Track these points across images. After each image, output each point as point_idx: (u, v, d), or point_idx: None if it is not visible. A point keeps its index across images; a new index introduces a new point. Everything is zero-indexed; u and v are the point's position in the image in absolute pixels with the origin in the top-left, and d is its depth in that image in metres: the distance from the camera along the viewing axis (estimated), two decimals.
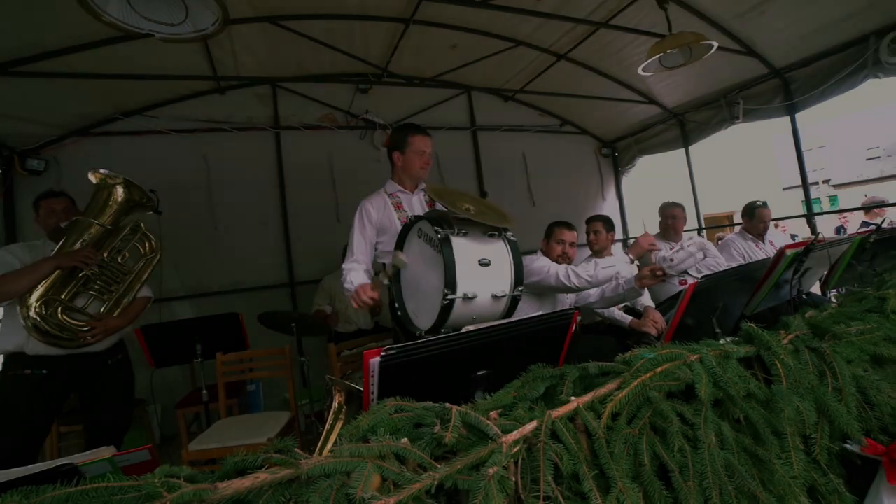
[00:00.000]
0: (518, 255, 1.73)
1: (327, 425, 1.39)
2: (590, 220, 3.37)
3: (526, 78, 4.86)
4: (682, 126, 5.15)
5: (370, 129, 4.66)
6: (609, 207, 5.98)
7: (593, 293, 2.72)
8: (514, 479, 0.73)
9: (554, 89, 4.90)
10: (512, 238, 1.75)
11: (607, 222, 3.32)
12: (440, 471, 0.72)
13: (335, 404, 1.41)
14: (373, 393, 1.02)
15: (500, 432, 0.79)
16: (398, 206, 2.10)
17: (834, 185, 21.49)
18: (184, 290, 3.96)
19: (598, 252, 3.26)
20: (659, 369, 1.02)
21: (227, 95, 4.25)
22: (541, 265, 2.47)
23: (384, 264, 2.09)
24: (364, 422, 0.79)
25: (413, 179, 2.17)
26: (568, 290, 2.41)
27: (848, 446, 1.05)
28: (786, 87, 4.04)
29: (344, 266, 2.07)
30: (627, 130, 5.74)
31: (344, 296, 3.85)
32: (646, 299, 3.12)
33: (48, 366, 2.11)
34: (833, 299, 3.20)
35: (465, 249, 1.63)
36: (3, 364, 2.16)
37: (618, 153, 6.07)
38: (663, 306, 3.03)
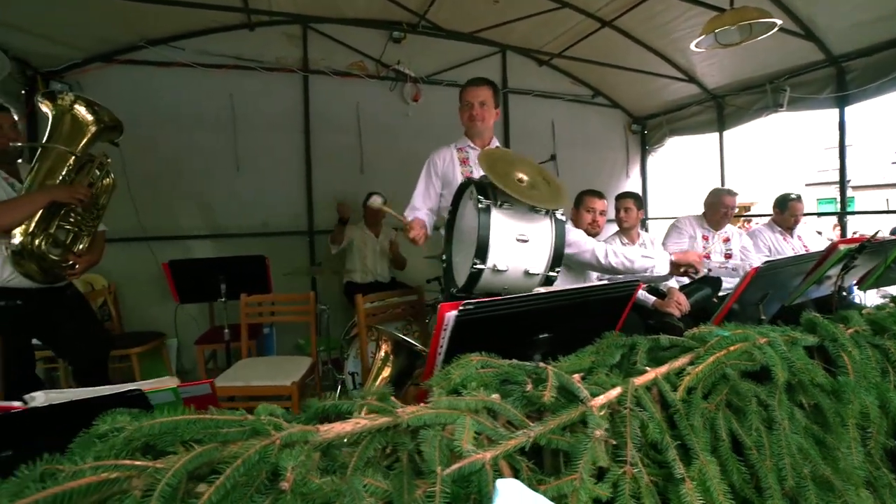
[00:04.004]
0: (562, 236, 1.66)
1: (374, 370, 1.42)
2: (620, 197, 3.30)
3: (565, 43, 4.65)
4: (720, 109, 4.98)
5: (401, 81, 4.49)
6: (632, 186, 5.87)
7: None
8: (612, 442, 0.73)
9: (591, 58, 4.70)
10: (560, 217, 1.67)
11: (638, 199, 3.26)
12: (534, 429, 0.71)
13: (381, 353, 1.43)
14: (442, 346, 1.00)
15: (589, 395, 0.78)
16: (464, 161, 2.09)
17: (853, 187, 21.19)
18: (205, 230, 3.94)
19: (627, 230, 3.22)
20: (732, 348, 1.01)
21: (256, 32, 4.07)
22: (577, 238, 2.42)
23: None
24: (456, 374, 0.77)
25: (473, 134, 2.16)
26: (600, 267, 2.37)
27: None
28: (840, 76, 3.85)
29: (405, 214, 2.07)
30: (660, 108, 5.56)
31: (363, 248, 3.90)
32: (670, 280, 3.10)
33: (22, 297, 2.02)
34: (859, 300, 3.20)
35: (505, 223, 1.59)
36: None
37: (647, 131, 5.90)
38: (688, 289, 3.01)
